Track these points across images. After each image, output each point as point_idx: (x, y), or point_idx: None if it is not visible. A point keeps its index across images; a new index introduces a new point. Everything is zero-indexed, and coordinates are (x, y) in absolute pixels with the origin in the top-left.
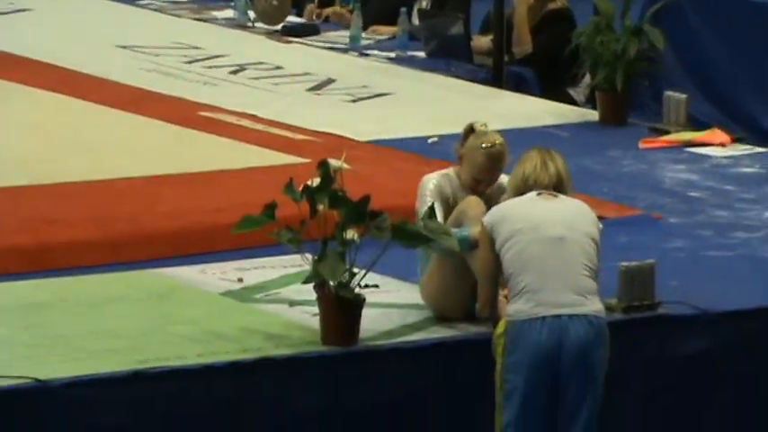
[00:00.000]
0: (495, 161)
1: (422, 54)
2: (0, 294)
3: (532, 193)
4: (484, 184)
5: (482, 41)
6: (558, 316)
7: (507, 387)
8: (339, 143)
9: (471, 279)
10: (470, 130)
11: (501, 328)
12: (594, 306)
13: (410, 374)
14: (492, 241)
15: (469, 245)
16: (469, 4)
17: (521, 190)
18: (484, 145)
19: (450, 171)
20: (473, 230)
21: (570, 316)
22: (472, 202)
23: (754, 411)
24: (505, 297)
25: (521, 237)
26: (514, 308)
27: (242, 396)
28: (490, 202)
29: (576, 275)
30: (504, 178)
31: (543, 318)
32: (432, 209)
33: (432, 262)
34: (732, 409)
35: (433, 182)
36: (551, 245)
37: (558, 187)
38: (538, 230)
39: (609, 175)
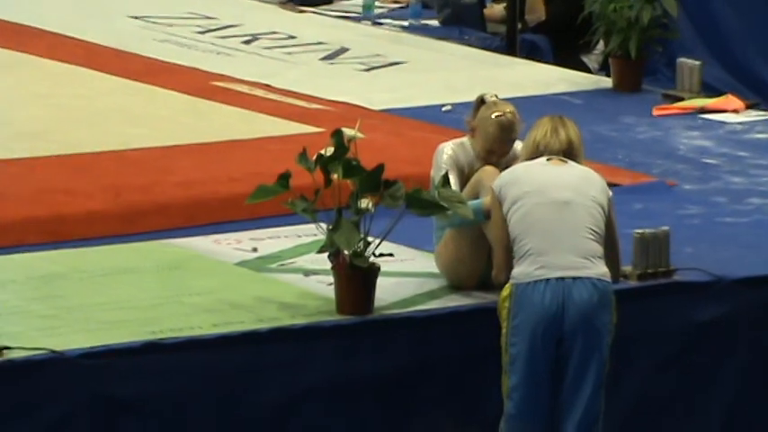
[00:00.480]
0: (506, 130)
1: (435, 23)
2: (14, 266)
3: (542, 159)
4: (497, 155)
5: (495, 9)
6: (562, 278)
7: (512, 351)
8: (353, 112)
9: (487, 248)
10: (481, 101)
11: (506, 291)
12: (599, 269)
13: (425, 343)
14: (500, 205)
15: (483, 214)
16: None
17: (532, 156)
18: (494, 115)
19: (465, 140)
20: (486, 200)
21: (574, 278)
22: (489, 172)
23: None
24: None
25: (527, 200)
26: (518, 270)
27: (258, 365)
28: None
29: (581, 239)
30: (518, 147)
31: (547, 280)
32: (446, 177)
33: (446, 233)
34: (747, 375)
35: (448, 150)
36: (557, 208)
37: (568, 153)
38: (544, 194)
39: (623, 142)
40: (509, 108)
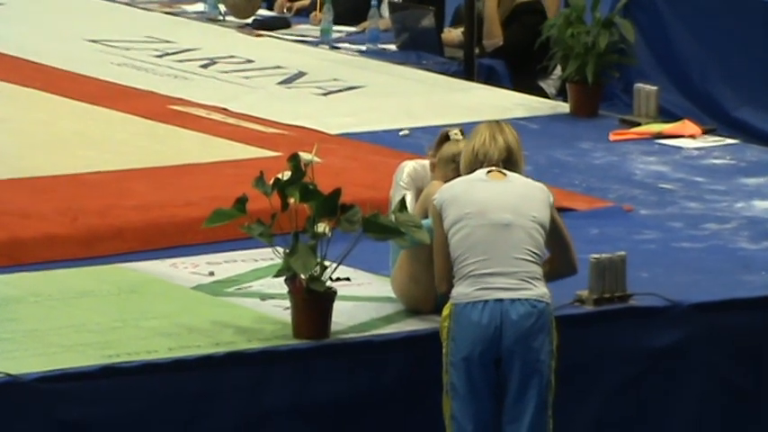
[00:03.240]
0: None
1: (393, 47)
2: None
3: (482, 172)
4: None
5: (453, 34)
6: (500, 300)
7: (452, 372)
8: (310, 136)
9: None
10: (445, 137)
11: (446, 311)
12: (538, 291)
13: (382, 367)
14: (441, 217)
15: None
16: None
17: (472, 165)
18: (456, 159)
19: (428, 163)
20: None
21: (512, 300)
22: (437, 187)
23: (724, 403)
24: None
25: (468, 221)
26: (458, 291)
27: (214, 390)
28: None
29: (521, 261)
30: None
31: (485, 301)
32: (402, 201)
33: (400, 255)
34: (703, 400)
35: (408, 169)
36: (497, 230)
37: (507, 161)
38: (484, 215)
39: (580, 167)
40: None
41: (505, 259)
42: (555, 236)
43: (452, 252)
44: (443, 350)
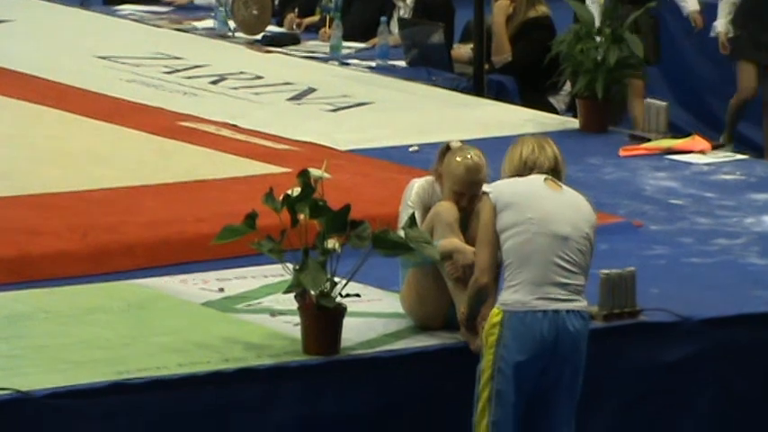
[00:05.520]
0: (472, 172)
1: (402, 63)
2: None
3: (539, 177)
4: (465, 198)
5: (462, 50)
6: (557, 311)
7: (498, 380)
8: (319, 152)
9: (447, 291)
10: (446, 148)
11: (497, 317)
12: (584, 303)
13: (391, 384)
14: (494, 210)
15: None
16: (453, 13)
17: (519, 172)
18: (459, 158)
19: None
20: (443, 242)
21: (567, 311)
22: (445, 207)
23: (734, 419)
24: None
25: (529, 226)
26: (513, 298)
27: (224, 406)
28: (472, 219)
29: (573, 274)
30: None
31: (545, 311)
32: (412, 217)
33: (409, 272)
34: (712, 417)
35: (417, 188)
36: (556, 242)
37: (555, 170)
38: (546, 224)
39: (590, 182)
40: (475, 151)
41: (562, 271)
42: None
43: (506, 255)
44: (488, 357)
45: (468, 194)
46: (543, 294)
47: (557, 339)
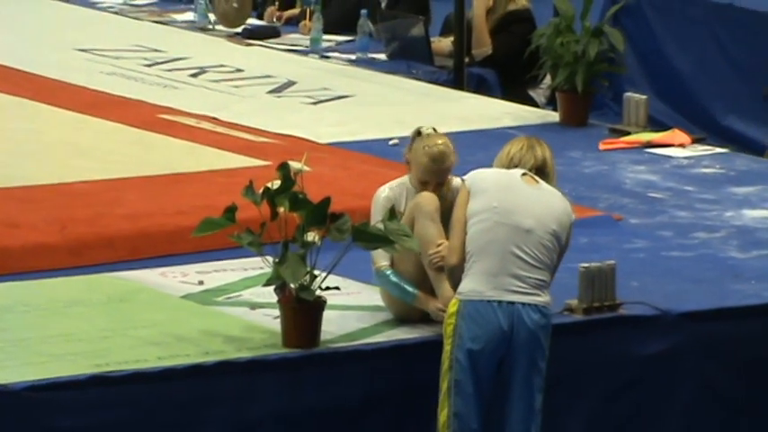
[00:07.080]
0: (436, 161)
1: (382, 56)
2: None
3: (518, 171)
4: (431, 186)
5: (442, 43)
6: (512, 302)
7: (457, 369)
8: (299, 145)
9: (428, 281)
10: (417, 134)
11: (453, 307)
12: (546, 299)
13: (371, 376)
14: (467, 199)
15: (414, 297)
16: (426, 3)
17: (505, 168)
18: (425, 146)
19: (406, 179)
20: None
21: (524, 304)
22: (426, 197)
23: (713, 412)
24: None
25: (491, 215)
26: (470, 287)
27: (203, 399)
28: (446, 205)
29: (534, 268)
30: (456, 181)
31: (499, 302)
32: (392, 210)
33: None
34: (692, 410)
35: (383, 197)
36: (518, 234)
37: (541, 171)
38: (509, 215)
39: (569, 176)
40: (441, 140)
41: (521, 263)
42: (559, 257)
43: (468, 243)
44: (446, 347)
45: (432, 182)
46: (498, 285)
47: (512, 331)
